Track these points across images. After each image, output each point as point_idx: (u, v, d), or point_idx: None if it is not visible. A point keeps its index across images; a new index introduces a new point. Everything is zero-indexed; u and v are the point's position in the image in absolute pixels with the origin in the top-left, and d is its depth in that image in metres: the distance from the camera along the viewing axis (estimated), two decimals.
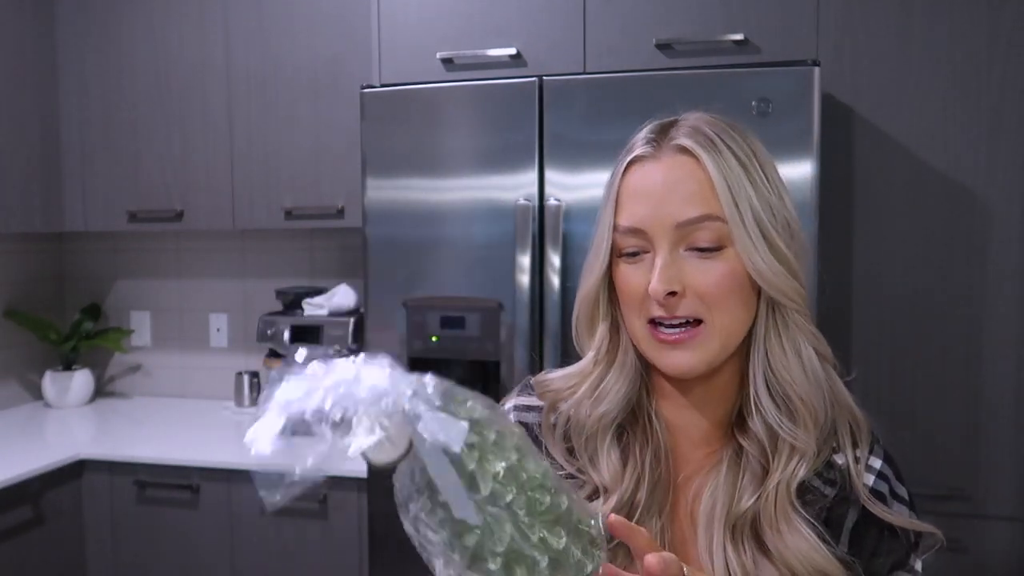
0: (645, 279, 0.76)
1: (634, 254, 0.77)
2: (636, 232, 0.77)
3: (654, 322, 0.76)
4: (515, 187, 1.84)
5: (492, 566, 0.56)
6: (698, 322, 0.75)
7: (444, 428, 0.52)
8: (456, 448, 0.53)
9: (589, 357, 0.85)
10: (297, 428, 0.50)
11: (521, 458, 0.57)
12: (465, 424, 0.54)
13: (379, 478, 1.98)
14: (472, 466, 0.54)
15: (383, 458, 0.53)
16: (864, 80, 1.83)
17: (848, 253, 1.87)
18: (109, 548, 2.33)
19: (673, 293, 0.74)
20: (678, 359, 0.76)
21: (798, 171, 1.68)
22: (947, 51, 1.79)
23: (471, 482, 0.54)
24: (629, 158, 0.79)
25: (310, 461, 0.49)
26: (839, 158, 1.85)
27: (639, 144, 0.79)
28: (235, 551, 2.24)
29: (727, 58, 1.84)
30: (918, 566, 0.78)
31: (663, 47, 1.88)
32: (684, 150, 0.76)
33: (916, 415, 1.85)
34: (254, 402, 2.77)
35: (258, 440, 0.50)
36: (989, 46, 1.77)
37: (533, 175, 1.83)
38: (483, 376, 1.90)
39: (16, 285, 2.87)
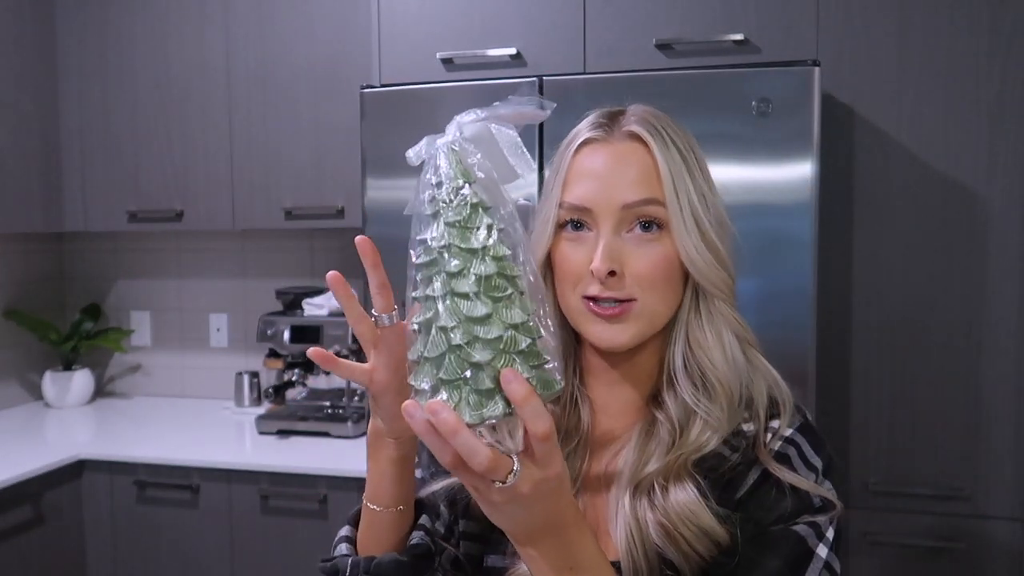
0: (586, 256, 0.80)
1: (578, 227, 0.81)
2: (582, 210, 0.81)
3: (588, 297, 0.80)
4: (515, 187, 1.83)
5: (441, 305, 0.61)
6: (630, 300, 0.80)
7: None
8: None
9: None
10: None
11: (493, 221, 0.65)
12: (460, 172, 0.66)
13: None
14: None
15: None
16: (864, 80, 1.83)
17: (848, 253, 1.87)
18: (109, 548, 2.33)
19: (613, 272, 0.78)
20: (611, 333, 0.80)
21: (798, 171, 1.68)
22: (947, 51, 1.79)
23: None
24: (580, 140, 0.83)
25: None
26: (839, 158, 1.85)
27: (589, 127, 0.84)
28: (235, 551, 2.24)
29: (727, 58, 1.84)
30: (829, 534, 0.77)
31: (663, 47, 1.88)
32: (635, 136, 0.81)
33: (916, 415, 1.85)
34: (254, 402, 2.77)
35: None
36: (989, 46, 1.77)
37: (533, 175, 1.82)
38: None
39: (16, 285, 2.88)
